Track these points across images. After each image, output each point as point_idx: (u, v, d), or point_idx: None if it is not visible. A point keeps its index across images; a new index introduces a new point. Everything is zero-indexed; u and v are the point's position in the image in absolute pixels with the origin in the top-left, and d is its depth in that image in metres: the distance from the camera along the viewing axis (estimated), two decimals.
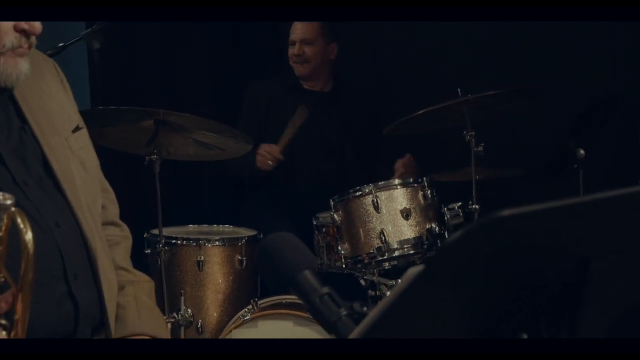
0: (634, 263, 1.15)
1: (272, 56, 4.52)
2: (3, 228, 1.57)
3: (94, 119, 3.32)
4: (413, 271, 0.95)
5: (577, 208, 1.02)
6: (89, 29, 3.55)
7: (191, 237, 3.72)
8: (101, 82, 3.61)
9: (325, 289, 1.41)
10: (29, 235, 1.55)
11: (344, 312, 1.38)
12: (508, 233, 0.98)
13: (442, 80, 4.56)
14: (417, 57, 4.76)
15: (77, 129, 2.18)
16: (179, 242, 3.67)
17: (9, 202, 1.57)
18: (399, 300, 0.96)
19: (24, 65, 2.00)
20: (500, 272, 1.03)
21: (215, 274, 3.67)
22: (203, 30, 5.05)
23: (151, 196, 3.41)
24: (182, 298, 3.59)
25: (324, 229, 3.61)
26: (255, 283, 3.77)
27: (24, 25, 1.96)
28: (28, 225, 1.55)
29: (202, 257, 3.64)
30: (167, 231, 3.65)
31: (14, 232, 1.57)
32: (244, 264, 3.70)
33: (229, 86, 4.86)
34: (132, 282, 2.22)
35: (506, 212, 0.94)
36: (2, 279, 1.63)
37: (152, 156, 3.39)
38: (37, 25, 1.98)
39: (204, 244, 3.67)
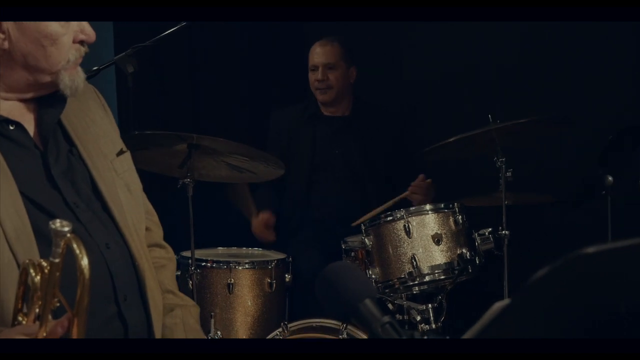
0: None
1: (304, 79, 4.51)
2: (61, 254, 1.58)
3: (129, 142, 3.34)
4: (499, 305, 0.97)
5: None
6: (123, 53, 3.56)
7: (221, 259, 3.74)
8: (134, 106, 3.63)
9: (387, 318, 1.43)
10: (85, 261, 1.56)
11: None
12: (590, 269, 1.00)
13: (467, 105, 4.59)
14: (443, 81, 4.78)
15: (120, 152, 2.22)
16: (209, 264, 3.68)
17: (66, 228, 1.57)
18: (483, 333, 0.98)
19: (81, 73, 2.07)
20: (580, 305, 1.04)
21: (245, 296, 3.69)
22: (236, 55, 5.08)
23: (181, 218, 3.43)
24: (212, 320, 3.61)
25: (352, 253, 3.63)
26: (284, 306, 3.79)
27: (82, 36, 2.04)
28: (84, 251, 1.56)
29: (232, 279, 3.65)
30: (197, 253, 3.66)
31: (68, 256, 1.57)
32: (274, 287, 3.72)
33: (262, 110, 4.86)
34: (180, 305, 2.24)
35: (590, 249, 0.96)
36: (58, 304, 1.64)
37: (186, 179, 3.41)
38: (93, 34, 2.05)
39: (234, 266, 3.68)
